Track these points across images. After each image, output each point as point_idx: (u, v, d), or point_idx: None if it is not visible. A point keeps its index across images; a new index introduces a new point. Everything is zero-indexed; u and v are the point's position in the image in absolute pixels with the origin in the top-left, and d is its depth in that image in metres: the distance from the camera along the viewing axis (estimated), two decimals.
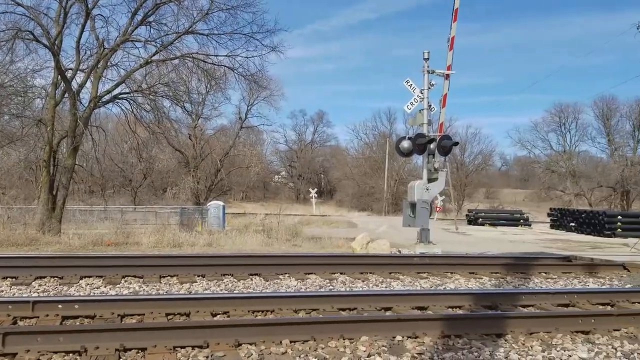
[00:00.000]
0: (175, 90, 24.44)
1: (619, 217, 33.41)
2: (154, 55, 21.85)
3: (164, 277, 8.80)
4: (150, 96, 23.09)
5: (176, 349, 4.78)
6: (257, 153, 60.53)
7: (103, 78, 22.14)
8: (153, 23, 22.05)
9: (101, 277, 8.60)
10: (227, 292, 7.89)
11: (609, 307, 7.25)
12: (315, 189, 58.83)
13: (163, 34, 22.09)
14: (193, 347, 4.81)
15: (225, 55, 23.11)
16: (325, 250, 16.50)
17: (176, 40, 21.95)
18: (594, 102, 65.09)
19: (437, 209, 47.17)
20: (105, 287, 8.00)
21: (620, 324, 6.06)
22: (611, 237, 31.13)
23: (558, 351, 5.11)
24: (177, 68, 23.32)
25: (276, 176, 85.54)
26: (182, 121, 36.92)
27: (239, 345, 4.91)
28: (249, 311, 6.29)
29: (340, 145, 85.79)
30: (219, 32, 22.46)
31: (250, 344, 4.92)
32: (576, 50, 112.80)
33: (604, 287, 9.42)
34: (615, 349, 5.28)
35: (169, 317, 6.06)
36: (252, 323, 5.17)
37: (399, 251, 15.37)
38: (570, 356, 4.97)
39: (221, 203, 29.40)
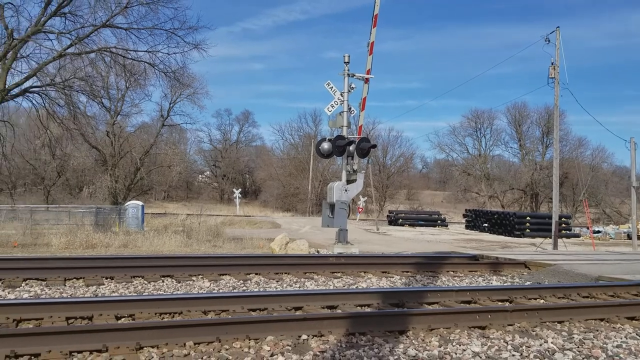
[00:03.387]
0: (92, 86, 23.57)
1: (528, 218, 35.47)
2: (68, 47, 20.94)
3: (69, 279, 8.47)
4: (65, 90, 22.13)
5: (72, 353, 4.62)
6: (179, 152, 59.22)
7: (12, 70, 20.98)
8: (68, 14, 21.17)
9: (0, 280, 8.16)
10: (135, 294, 7.69)
11: (507, 304, 7.70)
12: (240, 189, 58.11)
13: (79, 26, 21.24)
14: (91, 352, 4.66)
15: (146, 51, 22.57)
16: (245, 251, 16.42)
17: (93, 34, 21.18)
18: (506, 108, 68.63)
19: (359, 209, 48.10)
20: (3, 290, 7.59)
21: (514, 319, 6.46)
22: (521, 237, 32.97)
23: (454, 346, 5.37)
24: (94, 62, 22.51)
25: (200, 176, 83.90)
26: (100, 118, 35.71)
27: (141, 348, 4.82)
28: (155, 314, 6.17)
29: (265, 146, 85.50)
30: (138, 27, 21.92)
31: (152, 347, 4.84)
32: (492, 59, 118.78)
33: (505, 284, 9.99)
34: (507, 343, 5.61)
35: (70, 321, 5.83)
36: (155, 325, 5.08)
37: (318, 251, 15.57)
38: (464, 350, 5.24)
39: (140, 203, 28.42)
